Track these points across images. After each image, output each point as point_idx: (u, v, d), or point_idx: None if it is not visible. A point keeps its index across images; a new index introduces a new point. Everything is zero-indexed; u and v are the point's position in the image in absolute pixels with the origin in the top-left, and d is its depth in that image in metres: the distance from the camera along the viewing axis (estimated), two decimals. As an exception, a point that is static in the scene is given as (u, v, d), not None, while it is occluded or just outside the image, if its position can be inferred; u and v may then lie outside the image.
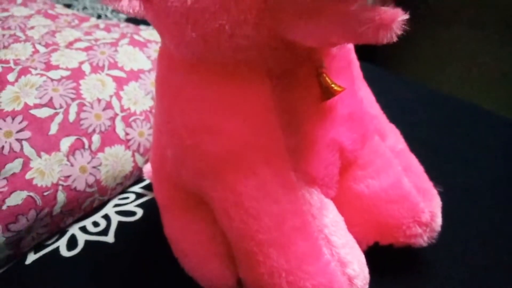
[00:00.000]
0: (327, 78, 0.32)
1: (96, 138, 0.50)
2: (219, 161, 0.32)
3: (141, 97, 0.57)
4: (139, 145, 0.54)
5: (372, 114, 0.38)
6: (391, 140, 0.40)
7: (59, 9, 0.73)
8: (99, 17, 1.15)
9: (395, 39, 0.25)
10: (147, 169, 0.53)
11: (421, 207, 0.37)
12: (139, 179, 0.56)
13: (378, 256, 0.37)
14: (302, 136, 0.33)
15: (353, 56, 0.37)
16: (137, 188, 0.55)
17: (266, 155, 0.32)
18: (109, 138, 0.52)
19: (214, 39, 0.28)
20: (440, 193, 0.40)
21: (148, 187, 0.55)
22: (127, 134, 0.53)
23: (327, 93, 0.32)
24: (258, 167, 0.32)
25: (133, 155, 0.54)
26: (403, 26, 0.25)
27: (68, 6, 1.23)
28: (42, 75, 0.51)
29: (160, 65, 0.35)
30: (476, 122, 0.68)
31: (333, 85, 0.32)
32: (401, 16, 0.25)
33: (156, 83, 0.36)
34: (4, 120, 0.46)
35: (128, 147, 0.53)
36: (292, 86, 0.32)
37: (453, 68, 0.93)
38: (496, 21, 0.88)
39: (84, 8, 1.21)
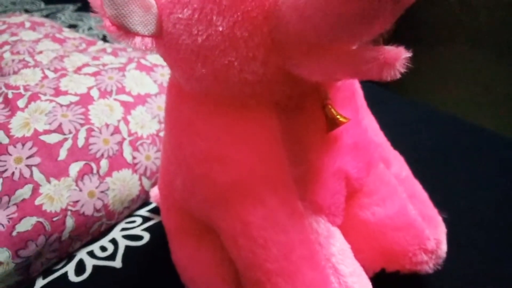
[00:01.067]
0: (332, 110, 0.33)
1: (104, 162, 0.51)
2: (228, 190, 0.33)
3: (148, 120, 0.58)
4: (145, 168, 0.55)
5: (376, 142, 0.38)
6: (396, 167, 0.40)
7: (67, 32, 0.75)
8: (104, 37, 1.17)
9: (398, 76, 0.26)
10: (154, 193, 0.53)
11: (427, 234, 0.37)
12: (146, 202, 0.57)
13: (384, 283, 0.37)
14: (308, 166, 0.33)
15: (357, 86, 0.38)
16: (143, 212, 0.56)
17: (274, 185, 0.32)
18: (117, 162, 0.52)
19: (223, 75, 0.29)
20: (444, 219, 0.41)
21: (155, 211, 0.55)
22: (134, 158, 0.54)
23: (333, 124, 0.33)
24: (266, 197, 0.32)
25: (140, 179, 0.54)
26: (406, 63, 0.26)
27: (74, 26, 1.25)
28: (51, 100, 0.52)
29: (170, 96, 0.36)
30: (479, 143, 0.69)
31: (338, 116, 0.33)
32: (404, 54, 0.26)
33: (166, 113, 0.37)
34: (15, 147, 0.47)
35: (135, 171, 0.54)
36: (298, 117, 0.33)
37: (454, 88, 0.94)
38: (498, 42, 0.89)
39: (90, 28, 1.24)
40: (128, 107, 0.57)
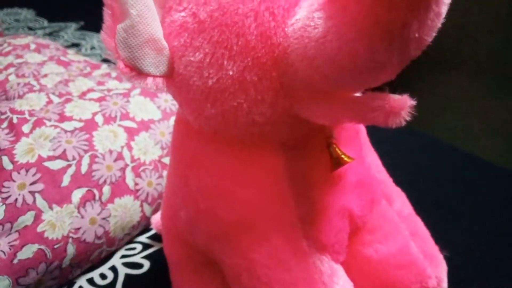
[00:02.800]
0: (337, 149, 0.33)
1: (106, 189, 0.51)
2: (233, 227, 0.33)
3: (151, 147, 0.58)
4: (147, 194, 0.55)
5: (379, 179, 0.39)
6: (398, 204, 0.41)
7: (71, 55, 0.76)
8: (106, 58, 1.18)
9: (403, 124, 0.27)
10: (156, 219, 0.53)
11: (428, 272, 0.38)
12: (146, 229, 0.57)
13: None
14: (313, 204, 0.34)
15: (361, 125, 0.39)
16: (144, 238, 0.56)
17: (279, 224, 0.33)
18: (119, 188, 0.53)
19: (232, 115, 0.30)
20: (445, 256, 0.41)
21: (155, 237, 0.55)
22: (136, 184, 0.54)
23: (337, 163, 0.33)
24: (271, 235, 0.33)
25: (141, 205, 0.54)
26: (411, 112, 0.27)
27: (77, 45, 1.26)
28: (56, 126, 0.53)
29: (177, 130, 0.37)
30: (478, 174, 0.70)
31: (342, 156, 0.33)
32: (409, 103, 0.27)
33: (172, 145, 0.38)
34: (19, 173, 0.47)
35: (137, 197, 0.54)
36: (303, 156, 0.34)
37: (453, 116, 0.95)
38: (496, 70, 0.91)
39: (92, 48, 1.25)
40: (131, 133, 0.57)
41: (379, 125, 0.27)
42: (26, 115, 0.54)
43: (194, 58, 0.29)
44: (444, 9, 0.23)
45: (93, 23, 1.42)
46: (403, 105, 0.26)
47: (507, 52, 0.93)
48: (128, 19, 0.28)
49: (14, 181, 0.47)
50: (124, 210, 0.52)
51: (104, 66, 0.75)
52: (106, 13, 0.28)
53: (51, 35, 1.36)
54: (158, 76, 0.31)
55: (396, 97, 0.27)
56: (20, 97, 0.58)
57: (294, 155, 0.33)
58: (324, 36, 0.25)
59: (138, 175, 0.55)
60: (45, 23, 1.46)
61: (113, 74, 0.69)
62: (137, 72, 0.30)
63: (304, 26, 0.26)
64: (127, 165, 0.54)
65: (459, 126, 0.95)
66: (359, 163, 0.36)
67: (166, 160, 0.59)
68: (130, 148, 0.56)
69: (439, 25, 0.24)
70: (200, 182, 0.34)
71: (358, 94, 0.29)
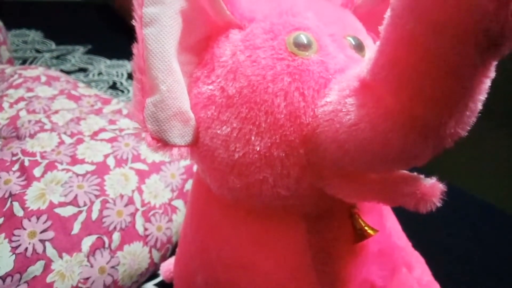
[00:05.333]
0: (360, 220, 0.33)
1: (116, 236, 0.51)
2: (253, 298, 0.33)
3: (161, 189, 0.58)
4: (156, 240, 0.55)
5: (400, 246, 0.39)
6: (418, 271, 0.40)
7: (82, 89, 0.76)
8: (114, 84, 1.18)
9: (433, 209, 0.27)
10: (165, 268, 0.53)
11: None
12: (153, 275, 0.56)
13: None
14: (335, 277, 0.33)
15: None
16: (150, 286, 0.55)
17: (300, 297, 0.32)
18: (128, 235, 0.52)
19: (257, 188, 0.30)
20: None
21: (162, 285, 0.55)
22: (146, 229, 0.54)
23: (361, 235, 0.33)
24: (292, 308, 0.32)
25: (150, 251, 0.54)
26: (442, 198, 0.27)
27: (84, 70, 1.27)
28: (67, 170, 0.52)
29: (197, 192, 0.37)
30: (480, 218, 0.70)
31: (366, 228, 0.33)
32: (440, 189, 0.26)
33: (191, 207, 0.37)
34: (29, 220, 0.47)
35: (146, 243, 0.53)
36: (325, 226, 0.33)
37: (457, 156, 0.95)
38: (505, 112, 0.91)
39: (100, 73, 1.25)
40: (143, 176, 0.57)
41: (409, 208, 0.27)
42: (38, 157, 0.53)
43: (220, 131, 0.29)
44: (480, 105, 0.23)
45: (101, 47, 1.43)
46: (435, 192, 0.26)
47: (509, 93, 0.94)
48: (158, 94, 0.28)
49: (24, 229, 0.46)
50: (133, 257, 0.52)
51: (115, 101, 0.75)
52: (136, 87, 0.28)
53: (59, 58, 1.37)
54: (183, 146, 0.30)
55: (427, 182, 0.27)
56: (31, 136, 0.58)
57: (316, 225, 0.33)
58: (356, 124, 0.25)
59: (148, 220, 0.54)
60: (53, 45, 1.47)
61: (124, 111, 0.69)
62: (163, 143, 0.29)
63: (335, 110, 0.26)
64: (137, 209, 0.54)
65: (465, 166, 0.95)
66: (381, 231, 0.36)
67: (176, 203, 0.59)
68: (140, 191, 0.55)
69: (475, 119, 0.24)
70: (220, 251, 0.33)
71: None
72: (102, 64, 1.31)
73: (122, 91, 1.14)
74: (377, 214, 0.36)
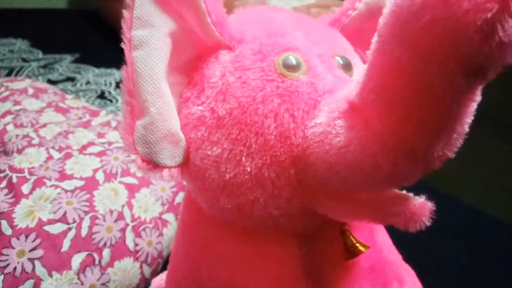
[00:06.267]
0: (351, 237, 0.33)
1: (106, 252, 0.50)
2: (245, 318, 0.33)
3: (151, 203, 0.57)
4: (147, 255, 0.54)
5: (390, 260, 0.39)
6: (409, 285, 0.41)
7: (70, 101, 0.75)
8: (102, 93, 1.17)
9: (423, 227, 0.27)
10: (157, 283, 0.52)
11: None
12: (144, 289, 0.56)
13: None
14: (326, 294, 0.33)
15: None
16: (142, 301, 0.54)
17: (292, 315, 0.32)
18: (119, 251, 0.52)
19: (248, 209, 0.30)
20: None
21: (154, 300, 0.54)
22: (136, 245, 0.53)
23: (352, 252, 0.33)
24: (284, 327, 0.32)
25: (140, 267, 0.53)
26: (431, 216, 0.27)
27: (72, 79, 1.26)
28: (56, 186, 0.52)
29: (188, 212, 0.36)
30: (475, 226, 0.70)
31: (357, 244, 0.33)
32: (429, 208, 0.27)
33: (183, 226, 0.37)
34: (18, 239, 0.46)
35: (136, 259, 0.53)
36: (317, 244, 0.33)
37: (449, 163, 0.97)
38: (496, 119, 0.92)
39: (88, 82, 1.24)
40: (132, 190, 0.57)
41: (398, 227, 0.27)
42: (26, 174, 0.53)
43: (211, 152, 0.29)
44: (467, 127, 0.24)
45: (88, 55, 1.42)
46: (424, 211, 0.26)
47: (504, 100, 0.95)
48: (148, 116, 0.28)
49: (13, 248, 0.45)
50: (124, 273, 0.51)
51: (103, 112, 0.74)
52: (125, 109, 0.28)
53: (46, 67, 1.36)
54: (174, 166, 0.30)
55: (416, 201, 0.27)
56: (19, 151, 0.57)
57: (307, 243, 0.33)
58: (346, 146, 0.25)
59: (138, 235, 0.54)
60: (40, 54, 1.46)
61: (113, 124, 0.69)
62: (153, 165, 0.29)
63: (325, 132, 0.26)
64: (127, 225, 0.54)
65: (455, 173, 0.96)
66: (372, 246, 0.36)
67: (167, 216, 0.58)
68: (130, 206, 0.55)
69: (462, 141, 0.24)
70: (212, 271, 0.33)
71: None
72: (90, 73, 1.30)
73: (111, 101, 1.13)
74: (367, 229, 0.36)
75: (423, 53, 0.20)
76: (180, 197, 0.61)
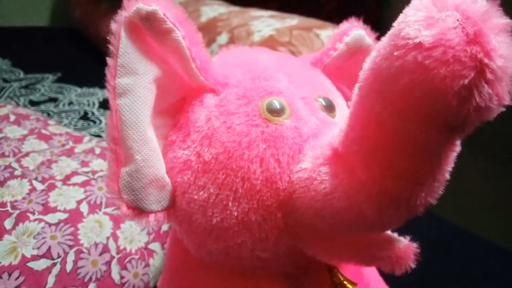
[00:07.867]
0: (339, 274, 0.33)
1: (92, 287, 0.49)
2: None
3: (136, 233, 0.57)
4: (133, 287, 0.53)
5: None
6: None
7: (52, 127, 0.74)
8: (85, 114, 1.16)
9: (409, 270, 0.27)
10: (143, 316, 0.52)
11: None
12: (131, 321, 0.55)
13: None
14: (315, 332, 0.33)
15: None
16: (129, 334, 0.53)
17: None
18: (105, 284, 0.51)
19: (235, 252, 0.30)
20: None
21: (141, 332, 0.53)
22: (122, 277, 0.53)
23: (339, 290, 0.33)
24: None
25: (127, 299, 0.53)
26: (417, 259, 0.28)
27: (54, 100, 1.24)
28: (40, 220, 0.51)
29: (175, 252, 0.36)
30: (473, 251, 0.71)
31: (345, 282, 0.33)
32: (414, 251, 0.27)
33: (170, 267, 0.37)
34: (1, 277, 0.45)
35: (123, 291, 0.52)
36: (305, 282, 0.34)
37: (450, 191, 0.98)
38: (500, 150, 0.92)
39: (70, 103, 1.23)
40: (117, 220, 0.56)
41: (385, 270, 0.28)
42: (9, 208, 0.52)
43: (197, 196, 0.29)
44: (448, 175, 0.24)
45: (71, 75, 1.40)
46: (409, 255, 0.27)
47: (508, 132, 0.95)
48: (133, 164, 0.28)
49: (-5, 287, 0.44)
50: (110, 307, 0.50)
51: (86, 138, 0.73)
52: (110, 157, 0.28)
53: (27, 87, 1.34)
54: (160, 211, 0.30)
55: (401, 244, 0.28)
56: (1, 184, 0.56)
57: (296, 282, 0.33)
58: (331, 193, 0.25)
59: (124, 267, 0.53)
60: (21, 74, 1.44)
61: (97, 151, 0.68)
62: (139, 211, 0.29)
63: (310, 178, 0.27)
64: (112, 257, 0.53)
65: (457, 201, 0.97)
66: (359, 281, 0.36)
67: (153, 246, 0.58)
68: (116, 238, 0.54)
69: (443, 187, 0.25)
70: (201, 313, 0.33)
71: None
72: (73, 93, 1.29)
73: (94, 122, 1.12)
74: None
75: (402, 111, 0.20)
76: (166, 226, 0.60)
